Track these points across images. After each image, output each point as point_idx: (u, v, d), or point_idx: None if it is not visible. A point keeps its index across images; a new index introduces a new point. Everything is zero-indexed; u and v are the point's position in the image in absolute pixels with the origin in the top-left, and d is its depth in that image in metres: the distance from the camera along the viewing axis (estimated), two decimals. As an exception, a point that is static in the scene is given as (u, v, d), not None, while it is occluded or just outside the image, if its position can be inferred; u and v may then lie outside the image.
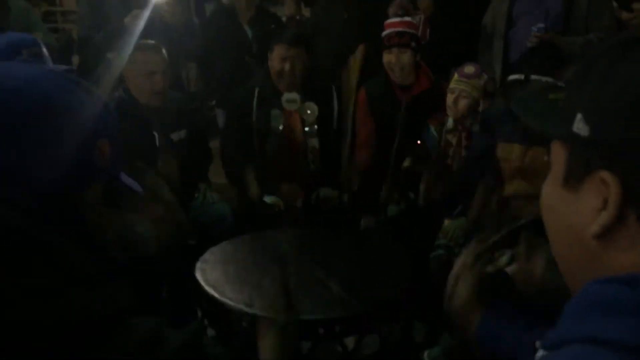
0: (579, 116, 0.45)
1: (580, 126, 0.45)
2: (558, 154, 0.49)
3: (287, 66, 2.33)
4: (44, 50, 1.82)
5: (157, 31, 2.55)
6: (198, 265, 1.69)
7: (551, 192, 0.50)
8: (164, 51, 2.22)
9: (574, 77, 0.48)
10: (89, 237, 0.73)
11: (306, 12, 4.49)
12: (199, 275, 1.62)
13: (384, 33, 2.42)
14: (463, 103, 2.15)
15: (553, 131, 0.50)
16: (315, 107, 2.40)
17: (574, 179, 0.47)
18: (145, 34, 2.40)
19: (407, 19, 2.51)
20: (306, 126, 2.41)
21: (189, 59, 3.06)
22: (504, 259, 1.62)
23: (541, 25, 2.47)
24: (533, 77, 1.80)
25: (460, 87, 2.15)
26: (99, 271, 0.68)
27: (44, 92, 0.70)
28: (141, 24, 2.53)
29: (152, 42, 2.24)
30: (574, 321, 0.42)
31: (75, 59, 3.50)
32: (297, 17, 4.34)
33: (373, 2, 3.17)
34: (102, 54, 2.43)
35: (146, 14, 2.58)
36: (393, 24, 2.45)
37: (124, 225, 2.02)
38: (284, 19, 3.68)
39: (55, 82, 0.72)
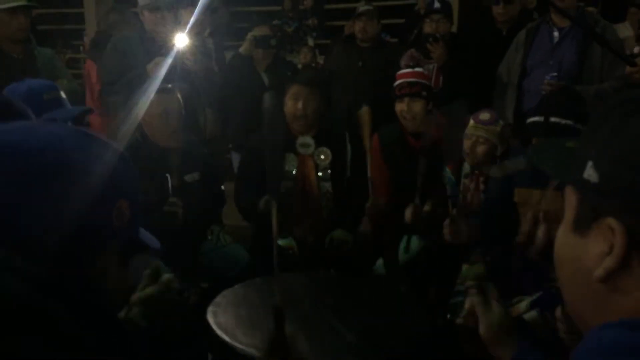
0: (589, 163, 0.47)
1: (590, 173, 0.47)
2: (570, 200, 0.51)
3: (299, 105, 2.37)
4: (62, 94, 1.90)
5: (178, 77, 2.64)
6: (210, 308, 1.68)
7: (562, 236, 0.52)
8: (178, 94, 2.30)
9: (588, 126, 0.51)
10: (103, 306, 0.65)
11: (321, 60, 4.61)
12: (210, 319, 1.61)
13: (396, 83, 2.48)
14: (481, 149, 2.15)
15: (565, 177, 0.52)
16: (328, 152, 2.43)
17: (583, 224, 0.48)
18: (166, 79, 2.48)
19: (418, 69, 2.57)
20: (319, 171, 2.43)
21: (207, 104, 3.15)
22: (523, 305, 1.59)
23: (554, 74, 2.50)
24: (553, 119, 1.80)
25: (478, 134, 2.15)
26: (112, 344, 0.62)
27: (61, 153, 0.66)
28: (163, 70, 2.62)
29: (169, 85, 2.32)
30: None
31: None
32: (313, 65, 4.45)
33: (386, 52, 3.26)
34: (124, 100, 2.51)
35: (168, 61, 2.67)
36: (404, 74, 2.51)
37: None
38: (300, 66, 3.79)
39: (73, 142, 0.69)
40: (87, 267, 0.67)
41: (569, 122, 1.78)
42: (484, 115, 2.20)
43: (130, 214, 0.71)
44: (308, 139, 2.42)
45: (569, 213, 0.51)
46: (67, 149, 0.67)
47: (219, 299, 1.75)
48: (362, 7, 3.29)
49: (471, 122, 2.20)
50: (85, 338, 0.57)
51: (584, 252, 0.48)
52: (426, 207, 2.20)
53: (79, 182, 0.66)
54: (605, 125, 0.48)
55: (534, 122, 1.87)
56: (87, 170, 0.67)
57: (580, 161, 0.48)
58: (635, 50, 3.64)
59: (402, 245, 2.27)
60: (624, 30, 4.93)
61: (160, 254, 1.95)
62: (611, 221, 0.45)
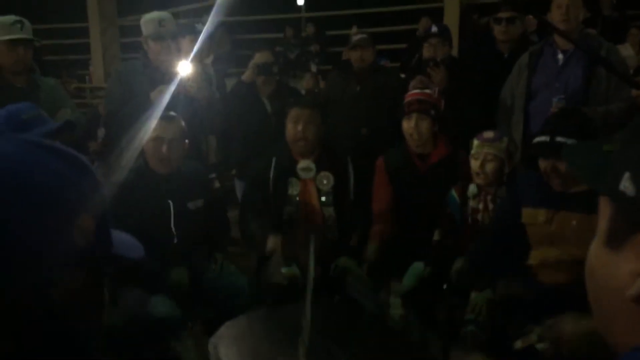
0: (626, 175, 0.45)
1: (627, 185, 0.44)
2: (604, 211, 0.48)
3: (299, 127, 2.38)
4: (43, 112, 2.01)
5: (181, 104, 2.64)
6: (212, 340, 1.63)
7: (595, 249, 0.49)
8: (179, 122, 2.29)
9: (626, 135, 0.48)
10: (69, 330, 0.61)
11: (324, 85, 4.63)
12: (212, 352, 1.56)
13: (405, 101, 2.48)
14: (490, 166, 2.14)
15: (600, 187, 0.49)
16: (331, 177, 2.41)
17: (617, 238, 0.46)
18: (170, 107, 2.48)
19: (427, 91, 2.58)
20: (322, 196, 2.41)
21: (210, 131, 3.15)
22: (534, 336, 1.54)
23: (562, 96, 2.49)
24: (558, 139, 1.78)
25: (485, 151, 2.14)
26: None
27: (9, 169, 0.60)
28: (166, 98, 2.62)
29: (172, 113, 2.32)
30: None
31: (101, 132, 3.63)
32: (316, 90, 4.47)
33: (383, 76, 3.27)
34: (127, 127, 2.51)
35: (172, 88, 2.68)
36: (414, 93, 2.52)
37: (135, 300, 1.99)
38: (303, 92, 3.80)
39: (26, 156, 0.62)
40: (49, 289, 0.60)
41: (574, 141, 1.76)
42: (488, 134, 2.19)
43: (95, 229, 0.64)
44: (309, 163, 2.41)
45: (603, 224, 0.48)
46: (14, 165, 0.60)
47: (221, 330, 1.71)
48: (356, 37, 3.30)
49: (476, 142, 2.19)
50: None
51: (616, 268, 0.46)
52: (435, 237, 2.16)
53: (28, 198, 0.59)
54: None
55: (539, 142, 1.85)
56: (39, 184, 0.60)
57: (617, 171, 0.46)
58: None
59: (412, 271, 2.22)
60: (625, 51, 4.95)
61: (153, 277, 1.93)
62: None
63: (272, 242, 2.28)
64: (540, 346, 1.51)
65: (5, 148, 0.62)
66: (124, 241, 0.73)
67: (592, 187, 0.50)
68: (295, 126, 2.40)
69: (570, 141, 1.76)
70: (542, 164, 1.87)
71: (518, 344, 1.54)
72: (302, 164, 2.41)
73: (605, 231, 0.48)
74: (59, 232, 0.60)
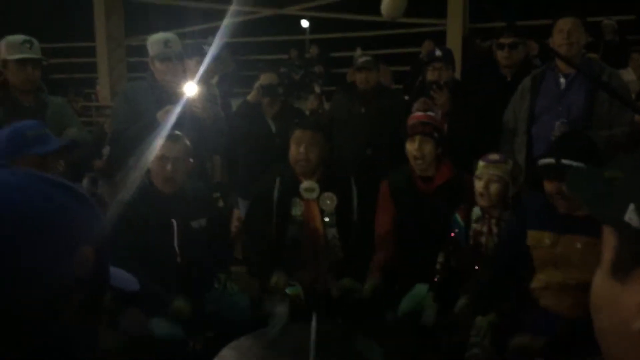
0: (631, 206, 0.45)
1: (632, 216, 0.44)
2: (608, 240, 0.48)
3: (302, 149, 2.39)
4: (47, 131, 2.03)
5: (186, 124, 2.67)
6: (214, 361, 1.62)
7: (600, 280, 0.48)
8: (184, 141, 2.31)
9: (630, 165, 0.48)
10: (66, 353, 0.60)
11: (328, 106, 4.67)
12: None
13: (409, 123, 2.49)
14: (495, 187, 2.13)
15: (604, 217, 0.49)
16: (334, 197, 2.41)
17: (622, 269, 0.45)
18: (175, 127, 2.50)
19: (430, 113, 2.60)
20: (325, 216, 2.41)
21: (214, 150, 3.16)
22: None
23: (564, 120, 2.51)
24: (564, 161, 1.79)
25: (489, 172, 2.14)
26: None
27: (11, 198, 0.60)
28: (172, 118, 2.65)
29: (177, 132, 2.34)
30: None
31: (106, 150, 3.65)
32: (320, 111, 4.50)
33: (388, 98, 3.30)
34: (133, 146, 2.53)
35: (178, 109, 2.71)
36: (418, 115, 2.54)
37: (135, 321, 1.98)
38: (307, 113, 3.82)
39: (27, 189, 0.63)
40: (49, 323, 0.61)
41: (580, 164, 1.76)
42: (493, 156, 2.20)
43: (95, 261, 0.65)
44: (312, 184, 2.41)
45: (607, 255, 0.48)
46: (14, 197, 0.61)
47: (224, 352, 1.70)
48: (360, 59, 3.34)
49: (481, 163, 2.20)
50: None
51: (622, 301, 0.45)
52: (439, 259, 2.15)
53: (29, 231, 0.60)
54: None
55: (545, 164, 1.86)
56: (39, 217, 0.61)
57: (620, 202, 0.46)
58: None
59: (413, 293, 2.20)
60: (626, 75, 4.99)
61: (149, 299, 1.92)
62: None
63: (275, 279, 2.27)
64: None
65: (8, 179, 0.63)
66: (120, 275, 0.74)
67: (596, 217, 0.50)
68: (297, 147, 2.41)
69: (576, 164, 1.77)
70: (548, 186, 1.88)
71: None
72: (306, 184, 2.42)
73: (609, 262, 0.47)
74: (59, 260, 0.61)
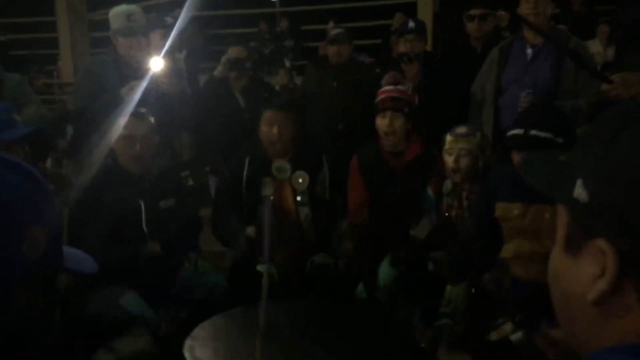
0: (579, 182, 0.46)
1: (580, 192, 0.45)
2: (561, 218, 0.49)
3: (274, 130, 2.34)
4: (15, 116, 2.02)
5: (152, 100, 2.59)
6: (187, 342, 1.60)
7: (555, 256, 0.50)
8: (149, 118, 2.25)
9: (579, 142, 0.49)
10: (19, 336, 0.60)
11: (299, 81, 4.61)
12: (187, 354, 1.53)
13: (379, 98, 2.47)
14: (465, 161, 2.14)
15: (555, 195, 0.50)
16: (306, 176, 2.38)
17: (574, 244, 0.47)
18: (140, 103, 2.43)
19: (400, 87, 2.58)
20: (297, 195, 2.38)
21: (182, 127, 3.09)
22: (508, 327, 1.57)
23: (530, 90, 2.52)
24: (532, 132, 1.80)
25: (458, 146, 2.15)
26: None
27: None
28: (137, 94, 2.56)
29: (142, 109, 2.27)
30: None
31: (70, 129, 3.54)
32: (290, 86, 4.44)
33: (360, 71, 3.26)
34: (97, 124, 2.45)
35: (143, 84, 2.62)
36: (388, 90, 2.51)
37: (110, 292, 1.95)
38: (277, 88, 3.76)
39: None
40: None
41: (548, 135, 1.78)
42: (461, 129, 2.20)
43: (47, 242, 0.64)
44: (284, 163, 2.37)
45: (561, 232, 0.49)
46: None
47: (196, 331, 1.68)
48: (333, 31, 3.29)
49: (448, 137, 2.20)
50: None
51: (575, 274, 0.47)
52: (411, 232, 2.17)
53: None
54: (595, 142, 0.46)
55: (513, 135, 1.87)
56: None
57: (570, 179, 0.47)
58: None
59: (382, 267, 2.22)
60: (594, 46, 5.06)
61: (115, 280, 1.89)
62: (602, 243, 0.43)
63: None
64: (514, 337, 1.54)
65: None
66: (76, 255, 0.73)
67: (548, 196, 0.51)
68: (270, 129, 2.36)
69: (543, 134, 1.78)
70: (516, 157, 1.89)
71: (493, 336, 1.57)
72: (277, 163, 2.37)
73: (563, 238, 0.49)
74: (7, 241, 0.60)
